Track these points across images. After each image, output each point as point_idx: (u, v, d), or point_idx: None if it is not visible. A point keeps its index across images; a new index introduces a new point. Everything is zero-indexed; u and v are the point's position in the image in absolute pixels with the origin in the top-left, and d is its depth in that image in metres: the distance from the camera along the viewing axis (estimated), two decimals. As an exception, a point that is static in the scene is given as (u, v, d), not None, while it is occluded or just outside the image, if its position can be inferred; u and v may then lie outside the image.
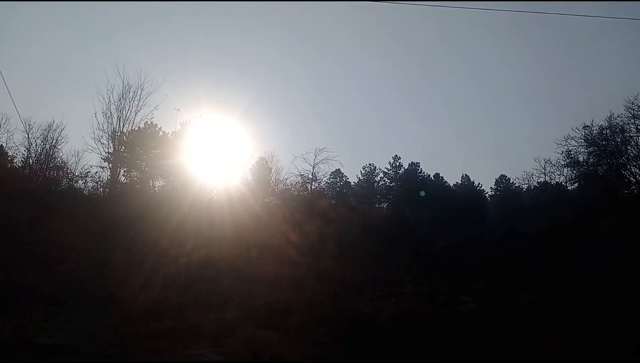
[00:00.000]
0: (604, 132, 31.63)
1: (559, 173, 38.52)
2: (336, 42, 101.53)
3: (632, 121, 29.89)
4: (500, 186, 69.48)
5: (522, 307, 16.62)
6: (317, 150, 42.48)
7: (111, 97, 35.24)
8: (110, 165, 35.10)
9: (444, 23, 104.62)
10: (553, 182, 40.76)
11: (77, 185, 35.38)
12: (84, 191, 34.85)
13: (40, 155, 34.86)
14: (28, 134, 34.10)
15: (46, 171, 35.29)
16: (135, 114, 35.66)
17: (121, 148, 35.50)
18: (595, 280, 18.49)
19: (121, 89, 35.59)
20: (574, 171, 34.89)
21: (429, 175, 67.44)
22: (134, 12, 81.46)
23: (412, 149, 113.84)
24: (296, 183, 42.90)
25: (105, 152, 34.91)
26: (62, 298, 12.71)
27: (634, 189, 30.56)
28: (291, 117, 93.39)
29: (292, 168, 65.52)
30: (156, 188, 36.77)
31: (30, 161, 34.52)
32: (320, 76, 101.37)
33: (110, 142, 35.15)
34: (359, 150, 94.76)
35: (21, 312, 10.89)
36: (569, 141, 32.88)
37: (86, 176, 34.92)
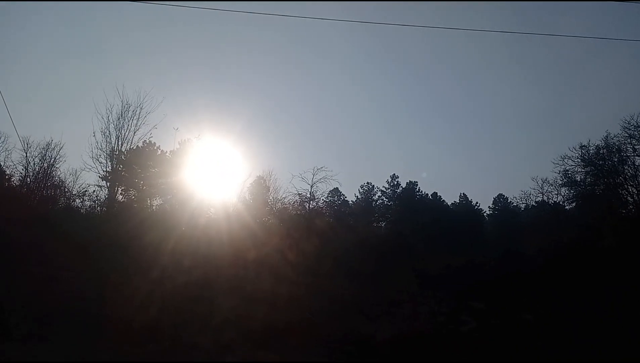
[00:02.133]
0: (601, 152, 31.75)
1: (556, 192, 38.51)
2: (336, 61, 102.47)
3: (629, 140, 30.01)
4: (498, 206, 69.37)
5: (523, 327, 16.50)
6: (315, 169, 42.13)
7: (110, 117, 35.20)
8: (108, 184, 34.92)
9: (441, 43, 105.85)
10: (551, 201, 40.75)
11: (74, 204, 35.10)
12: (82, 210, 34.55)
13: (38, 174, 34.60)
14: (26, 153, 33.84)
15: (44, 189, 35.04)
16: (134, 133, 35.61)
17: (119, 166, 35.39)
18: (597, 300, 18.37)
19: (120, 108, 35.51)
20: (572, 191, 34.93)
21: (427, 194, 67.39)
22: (134, 31, 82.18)
23: (410, 169, 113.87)
24: (294, 202, 42.69)
25: (103, 171, 34.76)
26: (58, 318, 12.57)
27: (631, 208, 30.61)
28: (289, 136, 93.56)
29: (290, 186, 65.44)
30: (154, 207, 36.52)
31: (28, 179, 34.24)
32: (319, 95, 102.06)
33: (108, 161, 35.04)
34: (357, 169, 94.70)
35: (18, 333, 10.76)
36: (566, 160, 32.97)
37: (84, 195, 34.66)
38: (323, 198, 51.94)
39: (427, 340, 14.54)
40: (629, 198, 30.70)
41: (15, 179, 33.54)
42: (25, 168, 33.67)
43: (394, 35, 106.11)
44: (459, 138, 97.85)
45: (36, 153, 34.19)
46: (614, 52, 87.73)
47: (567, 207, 38.20)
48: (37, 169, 34.33)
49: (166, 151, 36.88)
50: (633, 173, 30.14)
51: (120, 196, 36.08)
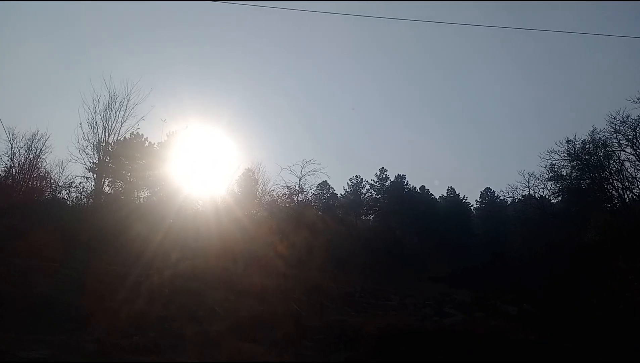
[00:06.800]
0: (587, 146, 32.11)
1: (542, 186, 38.78)
2: (324, 54, 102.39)
3: (614, 135, 30.32)
4: (485, 199, 69.99)
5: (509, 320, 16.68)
6: (304, 162, 42.35)
7: (97, 108, 34.87)
8: (95, 175, 34.69)
9: (432, 37, 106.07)
10: (537, 195, 41.10)
11: (60, 195, 34.84)
12: (68, 202, 34.34)
13: (23, 165, 34.20)
14: (11, 144, 33.42)
15: (29, 181, 34.65)
16: (121, 125, 35.34)
17: (106, 158, 35.14)
18: (582, 293, 18.60)
19: (107, 99, 35.20)
20: (557, 185, 35.32)
21: (415, 187, 67.69)
22: (121, 22, 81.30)
23: (399, 162, 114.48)
24: (283, 195, 42.76)
25: (90, 162, 34.51)
26: (43, 310, 12.46)
27: (616, 203, 30.97)
28: (278, 129, 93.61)
29: (278, 179, 65.43)
30: (141, 199, 36.42)
31: (14, 171, 33.83)
32: (308, 88, 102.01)
33: (95, 152, 34.76)
34: (345, 162, 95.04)
35: (0, 324, 10.66)
36: (552, 155, 33.32)
37: (70, 187, 34.36)
38: (312, 190, 52.20)
39: (413, 332, 14.59)
40: (614, 193, 31.08)
41: (0, 171, 33.15)
42: (10, 159, 33.30)
43: (381, 29, 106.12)
44: (448, 131, 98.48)
45: (22, 144, 33.83)
46: (602, 48, 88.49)
47: (553, 201, 38.64)
48: (22, 161, 33.98)
49: (154, 143, 36.70)
50: (618, 167, 30.51)
51: (107, 188, 35.93)
